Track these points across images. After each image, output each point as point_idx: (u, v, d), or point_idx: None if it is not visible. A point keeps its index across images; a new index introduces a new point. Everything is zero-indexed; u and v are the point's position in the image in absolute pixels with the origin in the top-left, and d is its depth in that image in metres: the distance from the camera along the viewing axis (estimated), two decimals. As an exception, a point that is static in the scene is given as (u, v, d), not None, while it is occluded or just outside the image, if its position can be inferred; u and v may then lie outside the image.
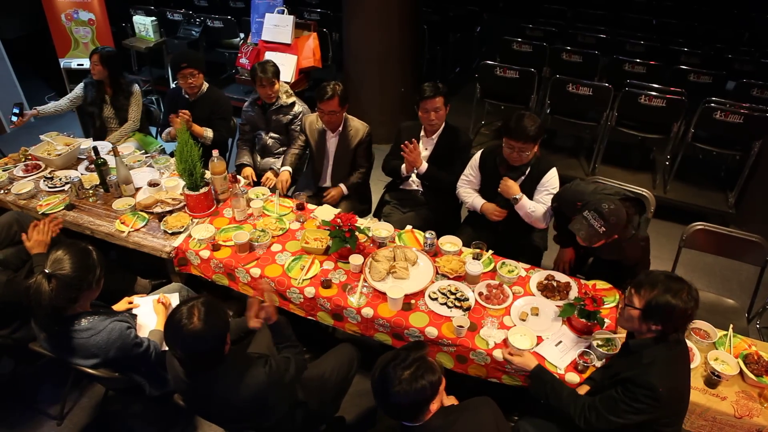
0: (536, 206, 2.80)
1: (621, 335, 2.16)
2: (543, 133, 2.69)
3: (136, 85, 3.96)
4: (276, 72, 3.45)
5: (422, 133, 3.21)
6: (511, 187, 2.79)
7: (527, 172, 2.83)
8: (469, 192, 3.07)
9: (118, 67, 3.85)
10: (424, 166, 3.12)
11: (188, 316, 1.69)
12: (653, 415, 1.76)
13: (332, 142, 3.33)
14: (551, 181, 2.79)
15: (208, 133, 3.65)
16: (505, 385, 2.23)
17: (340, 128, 3.28)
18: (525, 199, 2.79)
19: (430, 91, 2.96)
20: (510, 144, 2.70)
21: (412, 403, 1.57)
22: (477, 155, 3.01)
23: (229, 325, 1.80)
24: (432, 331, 2.25)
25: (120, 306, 2.45)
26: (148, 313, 2.44)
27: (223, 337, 1.76)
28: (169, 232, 2.79)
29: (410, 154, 3.03)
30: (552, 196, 2.77)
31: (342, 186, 3.37)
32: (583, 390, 2.05)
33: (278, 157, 3.72)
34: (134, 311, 2.42)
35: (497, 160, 2.87)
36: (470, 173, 3.04)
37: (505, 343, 2.19)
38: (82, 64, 5.48)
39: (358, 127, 3.30)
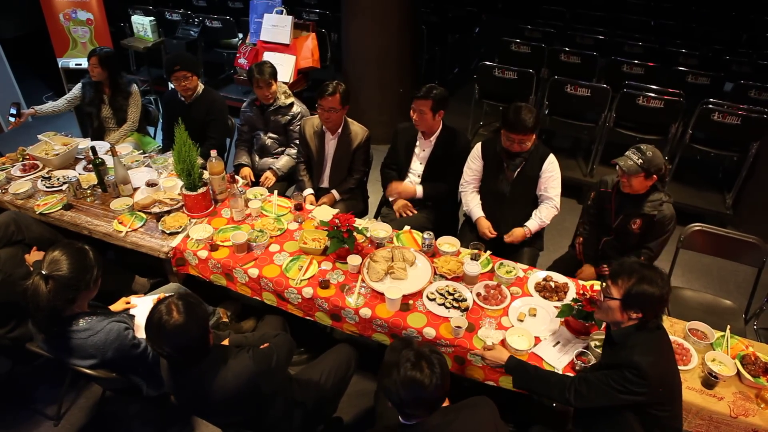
0: (542, 213, 2.93)
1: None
2: (540, 123, 2.81)
3: (135, 85, 3.95)
4: (273, 73, 3.44)
5: (419, 134, 3.21)
6: (518, 235, 2.92)
7: (527, 157, 2.90)
8: (471, 196, 3.10)
9: (117, 67, 3.85)
10: (419, 191, 3.21)
11: (168, 312, 1.71)
12: (644, 397, 1.77)
13: (331, 144, 3.33)
14: (552, 166, 2.90)
15: None
16: (502, 389, 2.23)
17: (340, 131, 3.27)
18: (532, 223, 2.94)
19: (421, 91, 2.98)
20: (510, 137, 2.78)
21: (446, 389, 1.59)
22: (478, 146, 3.04)
23: (208, 315, 1.82)
24: (430, 332, 2.25)
25: (117, 306, 2.44)
26: (146, 313, 2.43)
27: (206, 326, 1.79)
28: (167, 232, 2.79)
29: (397, 196, 3.20)
30: (556, 180, 2.90)
31: (334, 192, 3.37)
32: None
33: (276, 157, 3.72)
34: (132, 311, 2.42)
35: (498, 148, 2.93)
36: (472, 165, 3.06)
37: (503, 343, 2.19)
38: (81, 64, 5.48)
39: (357, 130, 3.30)
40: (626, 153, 2.54)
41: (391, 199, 3.31)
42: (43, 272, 1.94)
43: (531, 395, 2.21)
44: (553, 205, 2.93)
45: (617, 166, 2.55)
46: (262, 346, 1.98)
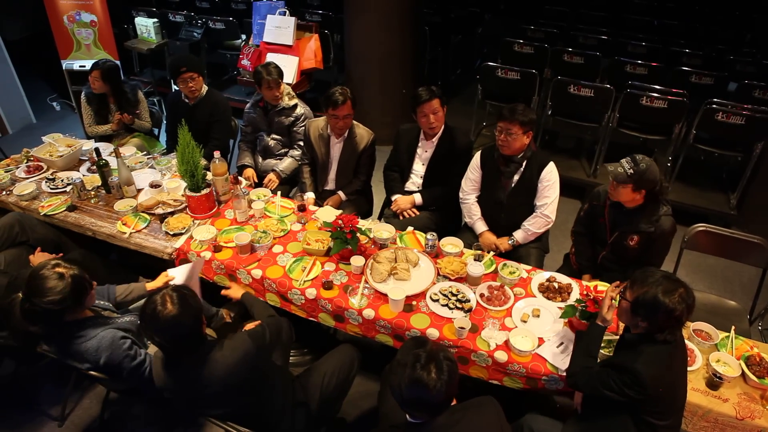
0: (531, 223, 2.91)
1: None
2: (533, 123, 2.77)
3: (140, 92, 3.99)
4: (280, 73, 3.46)
5: (421, 135, 3.21)
6: (499, 243, 2.96)
7: (524, 164, 2.86)
8: (471, 207, 3.09)
9: (119, 79, 3.89)
10: (418, 198, 3.25)
11: (162, 303, 1.75)
12: (636, 400, 1.77)
13: (337, 147, 3.33)
14: (550, 175, 2.85)
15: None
16: (505, 387, 2.23)
17: (345, 134, 3.28)
18: (520, 233, 2.94)
19: (426, 94, 2.98)
20: (499, 126, 2.79)
21: (449, 396, 1.58)
22: (477, 155, 3.04)
23: (202, 307, 1.87)
24: (433, 333, 2.25)
25: (158, 281, 2.49)
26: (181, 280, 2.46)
27: (199, 316, 1.83)
28: (171, 233, 2.79)
29: (400, 209, 3.25)
30: (551, 189, 2.85)
31: (340, 193, 3.38)
32: None
33: (280, 159, 3.72)
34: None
35: (495, 155, 2.92)
36: (471, 175, 3.06)
37: (507, 344, 2.19)
38: (84, 66, 5.49)
39: (362, 133, 3.30)
40: (621, 160, 2.44)
41: (393, 198, 3.31)
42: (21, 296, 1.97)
43: (533, 395, 2.21)
44: (543, 215, 2.88)
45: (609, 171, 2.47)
46: (254, 324, 2.04)
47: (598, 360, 2.11)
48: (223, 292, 2.44)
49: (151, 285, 2.52)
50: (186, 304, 1.77)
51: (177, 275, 2.49)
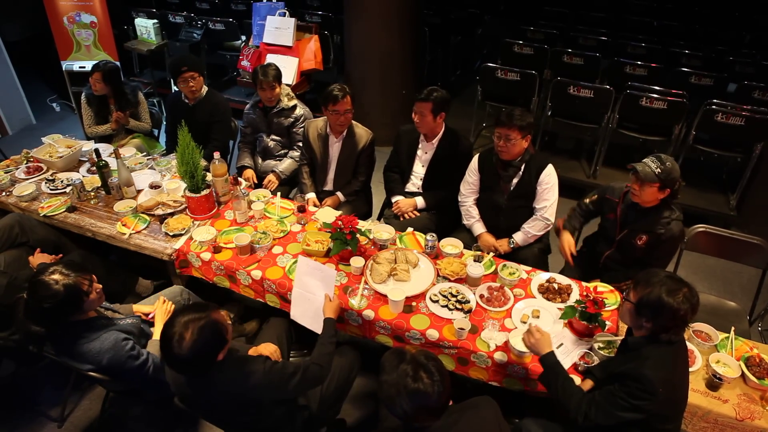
0: (531, 226, 2.91)
1: (622, 337, 2.15)
2: (531, 127, 2.77)
3: (141, 93, 3.99)
4: (277, 76, 3.45)
5: (421, 137, 3.21)
6: (499, 245, 2.95)
7: (522, 168, 2.86)
8: (470, 209, 3.09)
9: (120, 80, 3.90)
10: (420, 202, 3.26)
11: (179, 336, 1.68)
12: (649, 410, 1.74)
13: (335, 147, 3.33)
14: (549, 178, 2.85)
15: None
16: (505, 389, 2.23)
17: (344, 133, 3.28)
18: (519, 235, 2.94)
19: (422, 94, 2.98)
20: (497, 132, 2.78)
21: (448, 393, 1.58)
22: (475, 159, 3.04)
23: (220, 346, 1.77)
24: (433, 334, 2.25)
25: (147, 308, 2.49)
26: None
27: (211, 358, 1.75)
28: (171, 234, 2.79)
29: (401, 212, 3.26)
30: (550, 192, 2.85)
31: (339, 194, 3.37)
32: (586, 386, 2.04)
33: (279, 160, 3.72)
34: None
35: (494, 159, 2.92)
36: (470, 178, 3.06)
37: (506, 345, 2.19)
38: (84, 67, 5.50)
39: (361, 133, 3.30)
40: (645, 159, 2.41)
41: (393, 200, 3.31)
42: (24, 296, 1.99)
43: (533, 398, 2.21)
44: (543, 217, 2.88)
45: (632, 172, 2.42)
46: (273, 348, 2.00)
47: (598, 361, 2.11)
48: (326, 305, 2.24)
49: (137, 307, 2.52)
50: (198, 347, 1.68)
51: (304, 267, 2.34)
